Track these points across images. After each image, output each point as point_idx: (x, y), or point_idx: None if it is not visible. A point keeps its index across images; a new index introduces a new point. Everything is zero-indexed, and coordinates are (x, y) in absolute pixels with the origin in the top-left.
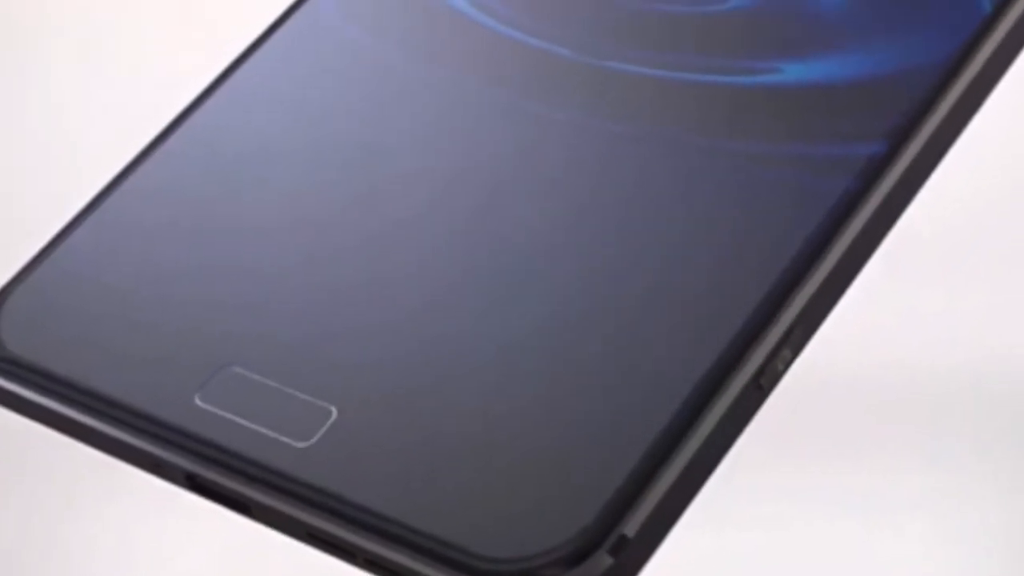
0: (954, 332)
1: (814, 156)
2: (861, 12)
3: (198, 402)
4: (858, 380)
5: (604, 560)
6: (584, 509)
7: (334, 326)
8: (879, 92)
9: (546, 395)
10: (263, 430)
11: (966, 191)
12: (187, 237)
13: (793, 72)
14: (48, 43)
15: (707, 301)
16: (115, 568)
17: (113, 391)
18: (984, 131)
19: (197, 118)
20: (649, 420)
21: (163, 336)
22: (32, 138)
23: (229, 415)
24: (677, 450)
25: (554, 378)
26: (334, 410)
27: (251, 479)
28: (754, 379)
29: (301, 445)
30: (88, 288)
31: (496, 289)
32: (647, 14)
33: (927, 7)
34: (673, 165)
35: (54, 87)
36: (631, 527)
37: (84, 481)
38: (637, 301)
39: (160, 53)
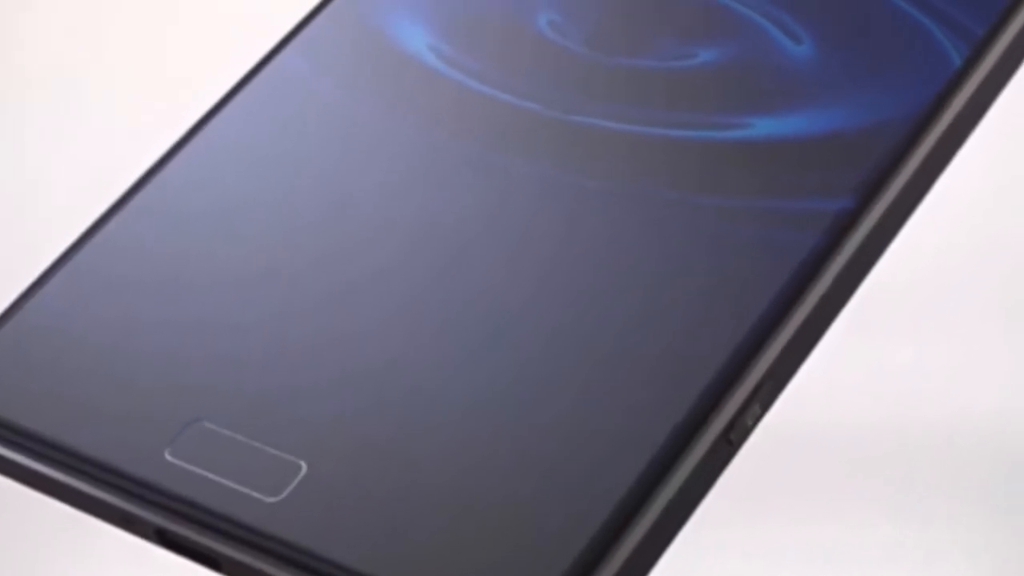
0: (923, 387)
1: (784, 211)
2: (831, 67)
3: (168, 457)
4: (827, 435)
5: None
6: (553, 564)
7: (303, 380)
8: (849, 147)
9: (516, 449)
10: (233, 485)
11: (935, 246)
12: (157, 291)
13: (762, 127)
14: (19, 96)
15: (677, 356)
16: None
17: (83, 445)
18: (954, 186)
19: (167, 172)
20: (619, 475)
21: (133, 390)
22: (2, 191)
23: (199, 470)
24: (646, 505)
25: (524, 432)
26: (304, 465)
27: (221, 534)
28: (723, 434)
29: (271, 500)
30: (58, 342)
31: (466, 343)
32: (617, 69)
33: (897, 61)
34: (643, 220)
35: (27, 140)
36: None
37: (54, 536)
38: (607, 355)
39: (131, 106)
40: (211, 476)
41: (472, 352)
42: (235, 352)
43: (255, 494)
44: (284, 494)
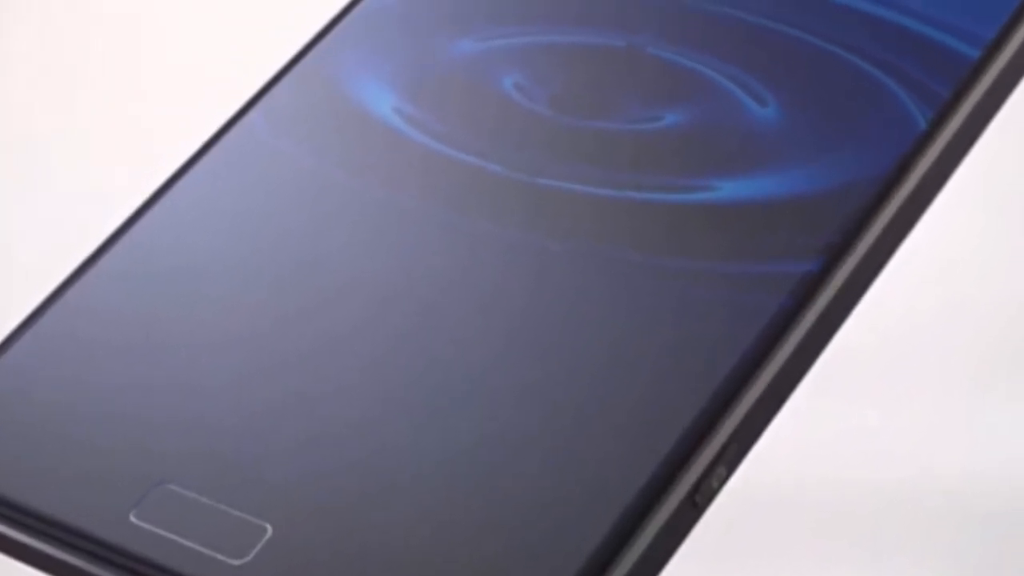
0: (889, 448)
1: (749, 273)
2: (797, 129)
3: (133, 519)
4: (793, 497)
5: None
6: None
7: (268, 443)
8: (814, 209)
9: (481, 511)
10: (198, 547)
11: (900, 308)
12: (122, 354)
13: (728, 189)
14: None
15: (642, 417)
16: None
17: (48, 508)
18: (920, 248)
19: (132, 235)
20: (583, 537)
21: (97, 453)
22: None
23: (164, 532)
24: (611, 568)
25: (489, 494)
26: (269, 527)
27: None
28: (689, 496)
29: (236, 563)
30: (23, 404)
31: (432, 405)
32: (582, 131)
33: (863, 124)
34: (608, 282)
35: None
36: None
37: None
38: (572, 417)
39: (96, 169)
40: (176, 539)
41: (438, 414)
42: (199, 415)
43: (220, 557)
44: (249, 557)
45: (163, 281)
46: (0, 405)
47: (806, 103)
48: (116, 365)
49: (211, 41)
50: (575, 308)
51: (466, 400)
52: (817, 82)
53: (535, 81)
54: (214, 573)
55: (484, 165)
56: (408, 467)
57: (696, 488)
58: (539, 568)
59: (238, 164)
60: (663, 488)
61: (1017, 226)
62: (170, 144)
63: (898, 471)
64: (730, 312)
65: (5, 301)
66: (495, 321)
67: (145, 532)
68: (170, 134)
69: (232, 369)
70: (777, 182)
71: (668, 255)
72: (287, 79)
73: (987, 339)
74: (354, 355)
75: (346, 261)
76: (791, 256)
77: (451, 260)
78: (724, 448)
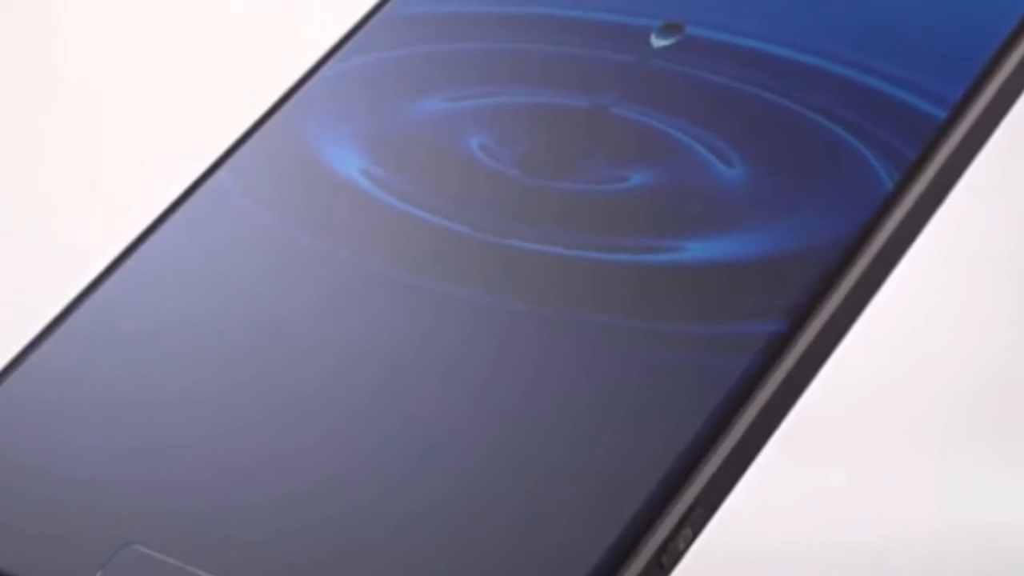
0: (854, 510)
1: (715, 334)
2: (763, 191)
3: None
4: (759, 558)
5: None
6: None
7: (235, 502)
8: (781, 270)
9: (446, 572)
10: None
11: (868, 369)
12: (89, 414)
13: (694, 250)
14: None
15: (608, 480)
16: None
17: (14, 568)
18: (888, 309)
19: (98, 296)
20: None
21: (64, 514)
22: None
23: None
24: None
25: (454, 555)
26: None
27: None
28: (655, 558)
29: None
30: None
31: (397, 466)
32: (549, 192)
33: (830, 185)
34: (575, 344)
35: None
36: None
37: None
38: (538, 479)
39: (62, 228)
40: None
41: (404, 475)
42: (167, 475)
43: None
44: None
45: (129, 341)
46: None
47: (772, 164)
48: (83, 425)
49: (178, 100)
50: (542, 370)
51: (433, 462)
52: (783, 143)
53: (501, 142)
54: None
55: (450, 226)
56: (374, 527)
57: (663, 549)
58: None
59: (204, 224)
60: (630, 550)
61: (983, 288)
62: (136, 203)
63: (864, 532)
64: (696, 373)
65: None
66: (461, 383)
67: None
68: (136, 193)
69: (198, 429)
70: (743, 243)
71: (634, 316)
72: (254, 139)
73: (953, 401)
74: (320, 416)
75: (312, 322)
76: (757, 317)
77: (417, 321)
78: (690, 510)
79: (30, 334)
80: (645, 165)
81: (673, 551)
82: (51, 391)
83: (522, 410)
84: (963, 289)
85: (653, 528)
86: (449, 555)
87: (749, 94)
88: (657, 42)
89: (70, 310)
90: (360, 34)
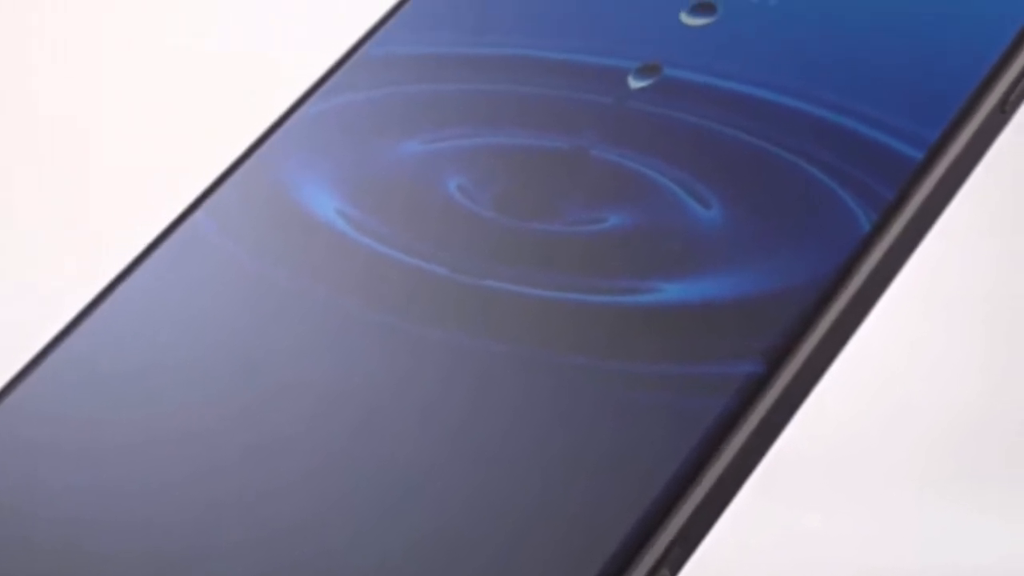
0: (831, 553)
1: (692, 376)
2: (740, 232)
3: None
4: None
5: None
6: None
7: (211, 545)
8: (758, 312)
9: None
10: None
11: (844, 411)
12: (65, 455)
13: (671, 292)
14: None
15: (584, 521)
16: None
17: None
18: (864, 351)
19: (75, 336)
20: None
21: (33, 557)
22: None
23: None
24: None
25: None
26: None
27: None
28: None
29: None
30: None
31: (372, 509)
32: (526, 233)
33: (807, 226)
34: (551, 385)
35: None
36: None
37: None
38: (514, 520)
39: (38, 270)
40: None
41: (380, 517)
42: (141, 516)
43: None
44: None
45: (106, 382)
46: None
47: (750, 205)
48: (55, 467)
49: (155, 140)
50: (518, 411)
51: (409, 504)
52: (761, 184)
53: (479, 183)
54: None
55: (427, 267)
56: (350, 570)
57: None
58: None
59: (182, 265)
60: None
61: (960, 330)
62: (114, 243)
63: (840, 575)
64: (673, 415)
65: None
66: (437, 425)
67: None
68: (114, 233)
69: (175, 470)
70: (721, 284)
71: (610, 357)
72: (231, 180)
73: (929, 443)
74: (297, 458)
75: (290, 364)
76: (734, 359)
77: (394, 363)
78: (667, 551)
79: (5, 375)
80: (623, 206)
81: None
82: (27, 432)
83: (498, 452)
84: (940, 331)
85: (630, 569)
86: None
87: (727, 135)
88: (635, 83)
89: (47, 351)
90: (338, 74)
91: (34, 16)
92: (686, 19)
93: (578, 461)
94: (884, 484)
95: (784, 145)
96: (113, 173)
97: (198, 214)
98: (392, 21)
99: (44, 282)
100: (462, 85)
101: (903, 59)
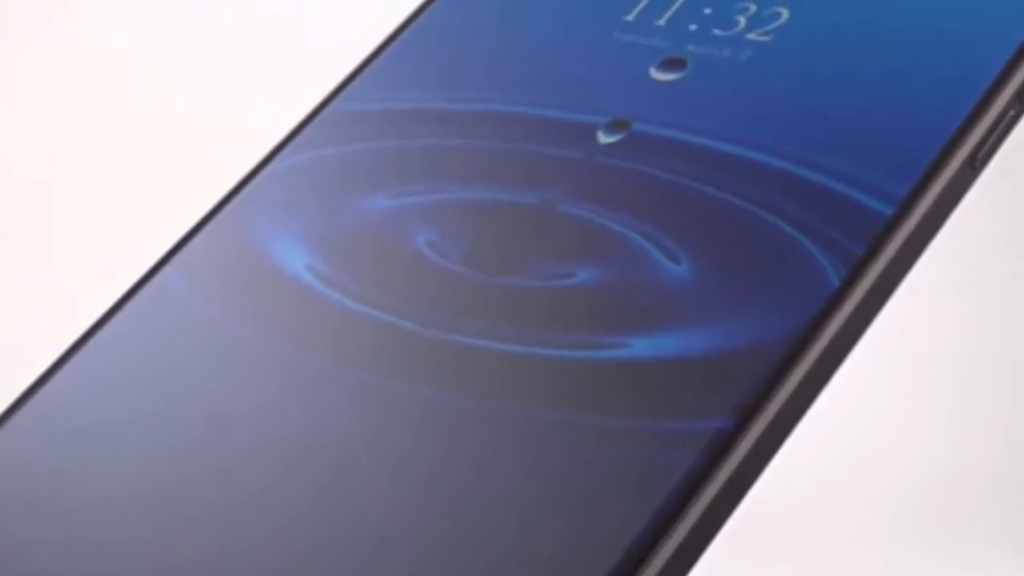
0: None
1: (662, 431)
2: (709, 286)
3: None
4: None
5: None
6: None
7: None
8: (727, 367)
9: None
10: None
11: (814, 466)
12: (34, 511)
13: (640, 347)
14: None
15: (555, 575)
16: None
17: None
18: (834, 406)
19: (43, 393)
20: None
21: None
22: None
23: None
24: None
25: None
26: None
27: None
28: None
29: None
30: None
31: (343, 565)
32: (495, 288)
33: (776, 282)
34: (521, 440)
35: None
36: None
37: None
38: (485, 574)
39: (10, 324)
40: None
41: (352, 572)
42: (103, 574)
43: None
44: None
45: (74, 438)
46: None
47: (719, 260)
48: (27, 521)
49: (124, 196)
50: (488, 466)
51: (381, 559)
52: (730, 239)
53: (447, 238)
54: None
55: (397, 322)
56: None
57: None
58: None
59: (151, 321)
60: None
61: (928, 385)
62: (83, 300)
63: None
64: (642, 469)
65: None
66: (408, 480)
67: None
68: (83, 289)
69: (144, 527)
70: (690, 339)
71: (581, 412)
72: (200, 235)
73: (899, 499)
74: (269, 515)
75: (260, 420)
76: (703, 414)
77: (364, 418)
78: None
79: None
80: (591, 261)
81: None
82: None
83: (468, 506)
84: (909, 387)
85: None
86: None
87: (696, 190)
88: (604, 139)
89: (16, 407)
90: (306, 130)
91: None
92: (655, 74)
93: (548, 516)
94: (853, 540)
95: (753, 200)
96: (83, 230)
97: (167, 270)
98: (360, 77)
99: (13, 338)
100: (431, 140)
101: (873, 114)
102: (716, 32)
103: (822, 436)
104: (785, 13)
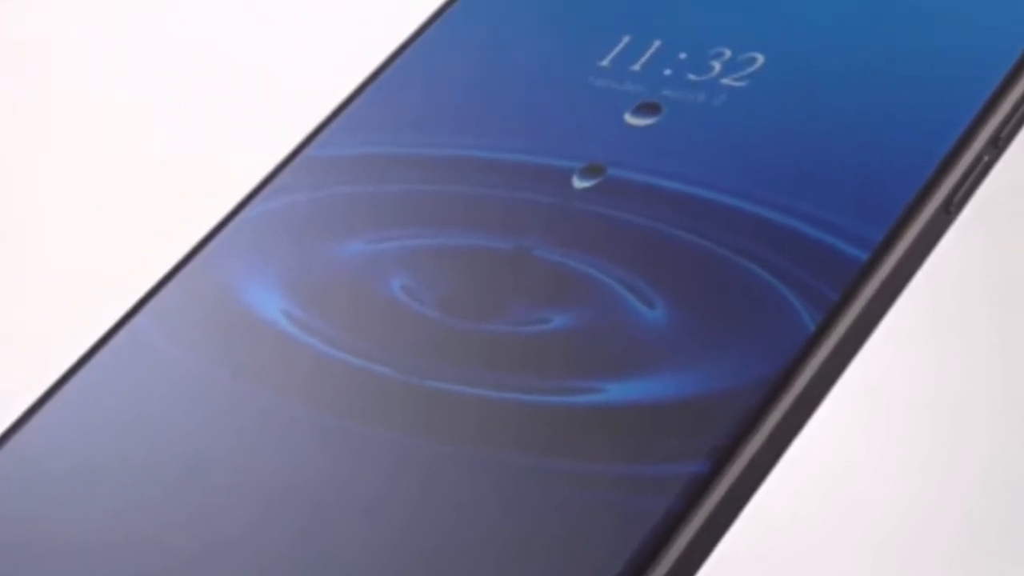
0: None
1: (637, 476)
2: (684, 331)
3: None
4: None
5: None
6: None
7: None
8: (703, 412)
9: None
10: None
11: (790, 511)
12: (6, 557)
13: (616, 392)
14: None
15: None
16: None
17: None
18: (809, 451)
19: (16, 441)
20: None
21: None
22: None
23: None
24: None
25: None
26: None
27: None
28: None
29: None
30: None
31: None
32: (471, 334)
33: (752, 326)
34: (497, 485)
35: None
36: None
37: None
38: None
39: None
40: None
41: None
42: None
43: None
44: None
45: (50, 485)
46: None
47: (694, 305)
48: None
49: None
50: (464, 511)
51: None
52: (705, 284)
53: (423, 284)
54: None
55: (373, 368)
56: None
57: None
58: None
59: (125, 366)
60: None
61: (904, 429)
62: (55, 347)
63: None
64: (619, 514)
65: None
66: (383, 526)
67: None
68: (57, 335)
69: (114, 574)
70: (665, 384)
71: (556, 457)
72: (175, 281)
73: (876, 543)
74: (244, 561)
75: (235, 466)
76: (679, 458)
77: (340, 464)
78: None
79: None
80: (567, 306)
81: None
82: None
83: (443, 552)
84: (885, 430)
85: None
86: None
87: (671, 236)
88: (579, 184)
89: None
90: (281, 175)
91: None
92: (630, 119)
93: (523, 561)
94: None
95: (729, 245)
96: (56, 276)
97: (141, 316)
98: (334, 122)
99: None
100: (406, 185)
101: (848, 159)
102: (691, 77)
103: (797, 480)
104: (760, 58)
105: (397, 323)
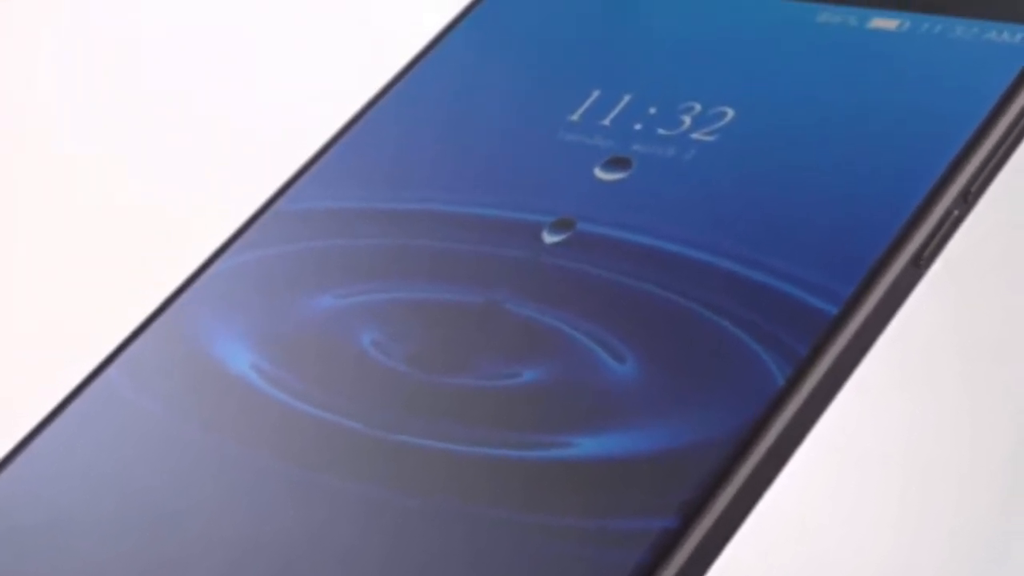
0: None
1: (606, 530)
2: (654, 386)
3: None
4: None
5: None
6: None
7: None
8: (673, 466)
9: None
10: None
11: (759, 566)
12: None
13: (585, 446)
14: None
15: None
16: None
17: None
18: (779, 504)
19: None
20: None
21: None
22: None
23: None
24: None
25: None
26: None
27: None
28: None
29: None
30: None
31: None
32: (440, 388)
33: (721, 381)
34: (467, 539)
35: None
36: None
37: None
38: None
39: None
40: None
41: None
42: None
43: None
44: None
45: (16, 540)
46: None
47: (664, 360)
48: None
49: (67, 296)
50: (433, 566)
51: None
52: (675, 338)
53: (393, 338)
54: None
55: (343, 423)
56: None
57: None
58: None
59: (94, 422)
60: None
61: (875, 484)
62: (25, 401)
63: None
64: (589, 568)
65: None
66: None
67: None
68: (26, 390)
69: None
70: (635, 439)
71: (527, 512)
72: (145, 335)
73: None
74: None
75: (205, 520)
76: (648, 513)
77: (310, 518)
78: None
79: None
80: (537, 361)
81: None
82: None
83: None
84: (854, 486)
85: None
86: None
87: (641, 290)
88: (549, 238)
89: None
90: (251, 230)
91: None
92: (600, 174)
93: None
94: None
95: (698, 300)
96: (25, 330)
97: (112, 369)
98: (304, 177)
99: None
100: (376, 240)
101: (818, 214)
102: (661, 131)
103: (767, 535)
104: (730, 112)
105: (367, 377)
